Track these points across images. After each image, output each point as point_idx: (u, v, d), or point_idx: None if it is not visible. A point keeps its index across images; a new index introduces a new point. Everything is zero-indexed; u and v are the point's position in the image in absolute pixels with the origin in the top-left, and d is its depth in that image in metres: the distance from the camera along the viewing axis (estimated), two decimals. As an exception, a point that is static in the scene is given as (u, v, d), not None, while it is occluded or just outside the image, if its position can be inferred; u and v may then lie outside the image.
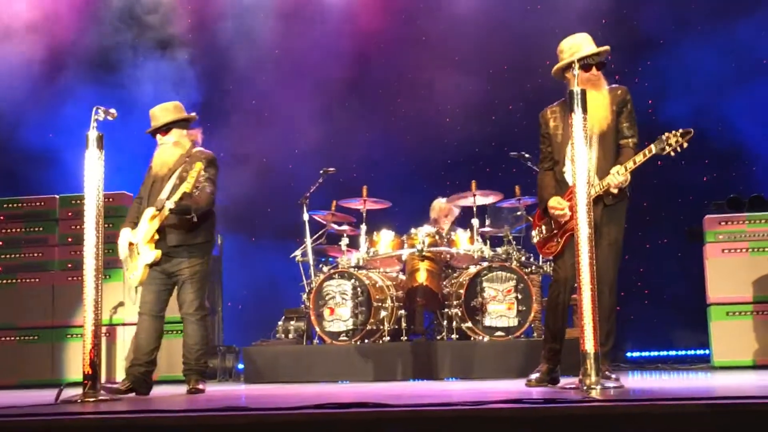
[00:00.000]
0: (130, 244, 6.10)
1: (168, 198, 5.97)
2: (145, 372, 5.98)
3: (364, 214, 8.46)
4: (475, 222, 8.13)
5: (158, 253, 6.02)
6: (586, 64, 5.36)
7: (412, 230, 8.05)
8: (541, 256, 8.29)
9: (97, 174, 5.18)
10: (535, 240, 5.73)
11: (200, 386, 6.05)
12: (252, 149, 10.85)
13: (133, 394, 5.83)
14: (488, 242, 8.18)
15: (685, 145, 5.15)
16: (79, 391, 5.01)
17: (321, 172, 8.93)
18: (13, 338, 8.73)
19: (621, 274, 9.53)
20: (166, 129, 6.24)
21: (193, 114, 6.38)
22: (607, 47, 5.40)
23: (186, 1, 11.26)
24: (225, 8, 11.24)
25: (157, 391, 6.23)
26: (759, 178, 9.46)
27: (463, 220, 8.85)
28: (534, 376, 5.47)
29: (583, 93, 4.57)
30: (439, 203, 8.88)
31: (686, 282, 9.29)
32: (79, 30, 10.94)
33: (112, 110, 5.58)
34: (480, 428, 3.07)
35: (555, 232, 5.44)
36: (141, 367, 5.96)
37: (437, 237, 8.00)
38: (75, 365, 8.32)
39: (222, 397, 5.50)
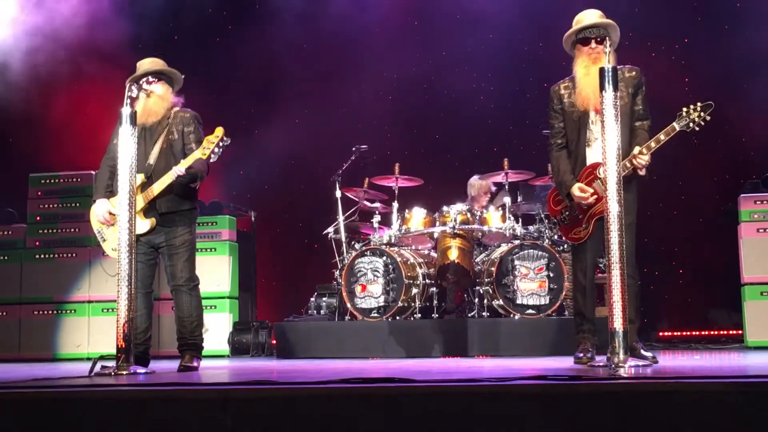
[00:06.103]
0: (111, 214, 5.74)
1: (156, 163, 5.66)
2: (144, 350, 5.85)
3: (396, 192, 8.47)
4: (507, 200, 8.10)
5: (152, 221, 5.72)
6: (584, 37, 5.26)
7: (444, 208, 8.04)
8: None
9: (130, 150, 5.20)
10: (558, 225, 5.66)
11: (194, 363, 5.74)
12: (285, 125, 10.87)
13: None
14: (520, 220, 8.16)
15: (708, 118, 5.01)
16: (113, 364, 5.09)
17: (354, 149, 8.95)
18: (50, 312, 8.88)
19: (656, 254, 9.58)
20: (156, 77, 5.83)
21: (182, 76, 5.95)
22: (610, 21, 5.23)
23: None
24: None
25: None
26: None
27: (494, 198, 8.85)
28: (581, 354, 5.33)
29: (614, 70, 4.46)
30: (478, 181, 8.86)
31: (721, 262, 9.20)
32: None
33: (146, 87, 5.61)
34: (504, 404, 3.09)
35: (581, 217, 5.36)
36: (140, 345, 5.78)
37: (469, 215, 7.99)
38: (110, 339, 8.43)
39: (253, 371, 5.56)
